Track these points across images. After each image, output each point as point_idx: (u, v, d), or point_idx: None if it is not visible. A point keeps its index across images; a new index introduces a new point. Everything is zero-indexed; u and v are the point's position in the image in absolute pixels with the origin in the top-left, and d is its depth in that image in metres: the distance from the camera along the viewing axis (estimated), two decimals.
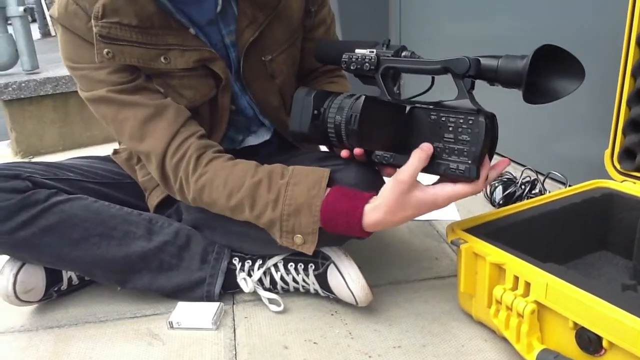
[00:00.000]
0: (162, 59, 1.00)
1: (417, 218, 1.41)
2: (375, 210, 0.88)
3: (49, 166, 1.15)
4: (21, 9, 2.19)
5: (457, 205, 1.51)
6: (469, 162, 0.85)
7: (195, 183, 0.98)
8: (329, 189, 0.93)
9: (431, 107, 0.89)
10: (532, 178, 1.45)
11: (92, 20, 0.95)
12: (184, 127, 1.01)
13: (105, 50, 0.96)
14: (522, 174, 1.48)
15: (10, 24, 2.26)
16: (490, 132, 0.85)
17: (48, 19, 13.46)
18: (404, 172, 0.86)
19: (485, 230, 0.98)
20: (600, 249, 1.14)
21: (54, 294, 1.14)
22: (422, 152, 0.87)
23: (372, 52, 0.94)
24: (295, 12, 1.11)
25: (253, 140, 1.20)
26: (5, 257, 1.09)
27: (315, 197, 0.91)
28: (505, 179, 1.50)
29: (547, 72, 0.81)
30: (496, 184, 1.48)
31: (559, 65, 0.81)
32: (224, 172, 0.97)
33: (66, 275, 1.14)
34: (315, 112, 0.94)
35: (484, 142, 0.84)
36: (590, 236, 1.12)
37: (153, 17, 0.98)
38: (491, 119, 0.86)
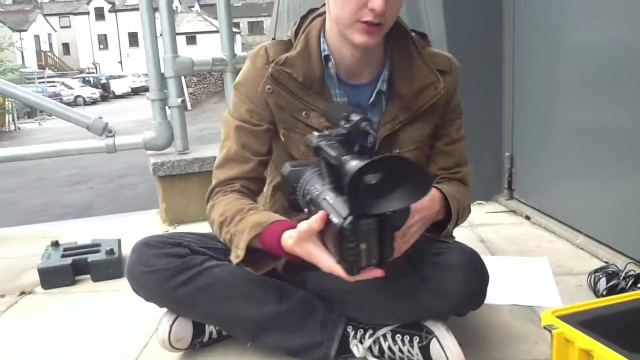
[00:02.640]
0: (303, 113, 1.24)
1: (518, 303, 1.52)
2: (289, 238, 1.05)
3: (201, 236, 1.39)
4: (179, 100, 2.61)
5: (561, 294, 1.57)
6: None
7: (210, 204, 1.25)
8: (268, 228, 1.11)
9: (327, 198, 0.95)
10: (637, 272, 1.50)
11: (272, 64, 1.22)
12: (246, 180, 1.25)
13: (268, 86, 1.22)
14: (625, 267, 1.52)
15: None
16: (354, 235, 0.89)
17: (186, 96, 14.89)
18: (304, 223, 1.00)
19: (579, 319, 1.07)
20: None
21: (198, 344, 1.35)
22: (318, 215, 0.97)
23: (313, 136, 1.04)
24: (432, 121, 1.29)
25: None
26: (163, 310, 1.33)
27: (254, 227, 1.12)
28: (610, 271, 1.55)
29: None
30: (600, 275, 1.54)
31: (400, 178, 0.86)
32: (225, 200, 1.22)
33: (208, 329, 1.36)
34: (291, 189, 1.08)
35: (341, 244, 0.90)
36: None
37: (314, 83, 1.23)
38: (357, 220, 0.88)
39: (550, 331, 1.06)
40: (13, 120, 17.04)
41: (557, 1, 2.10)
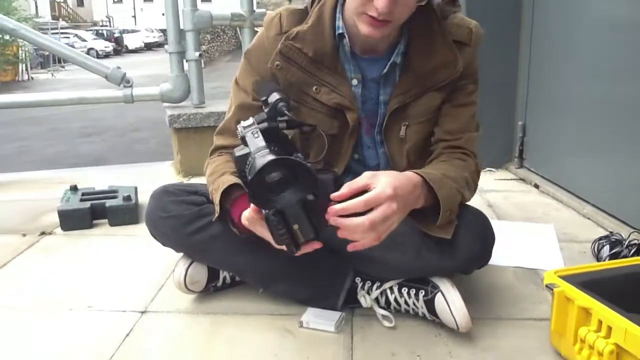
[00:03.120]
0: (314, 88, 1.25)
1: (522, 265, 1.56)
2: (244, 219, 1.11)
3: None
4: (197, 53, 2.63)
5: (565, 259, 1.61)
6: None
7: (207, 163, 1.34)
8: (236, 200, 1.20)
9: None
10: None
11: (283, 38, 1.22)
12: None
13: (277, 62, 1.23)
14: (629, 236, 1.56)
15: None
16: (282, 223, 0.98)
17: None
18: (247, 212, 1.09)
19: (580, 279, 1.12)
20: None
21: (211, 288, 1.42)
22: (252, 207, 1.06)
23: (240, 126, 1.10)
24: (444, 92, 1.26)
25: None
26: (178, 255, 1.39)
27: (223, 184, 1.20)
28: (613, 239, 1.58)
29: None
30: (604, 243, 1.58)
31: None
32: (218, 161, 1.30)
33: (222, 274, 1.42)
34: (242, 172, 1.12)
35: (273, 232, 1.00)
36: None
37: (326, 57, 1.23)
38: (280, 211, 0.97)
39: (551, 289, 1.10)
40: (26, 70, 17.06)
41: None
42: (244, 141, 1.08)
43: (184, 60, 2.66)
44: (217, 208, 1.22)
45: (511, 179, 2.48)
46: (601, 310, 1.01)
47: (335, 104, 1.25)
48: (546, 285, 1.12)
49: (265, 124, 1.10)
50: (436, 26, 1.22)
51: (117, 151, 6.18)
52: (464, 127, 1.30)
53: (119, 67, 2.66)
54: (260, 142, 1.03)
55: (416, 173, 1.12)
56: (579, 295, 1.05)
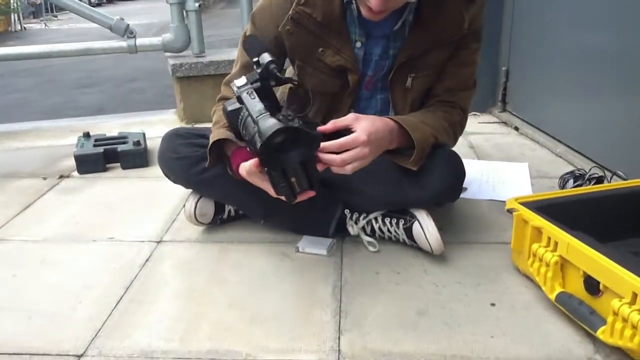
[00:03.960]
0: (320, 49, 1.34)
1: (495, 198, 1.74)
2: (242, 169, 1.22)
3: None
4: (197, 4, 2.72)
5: (534, 189, 1.79)
6: None
7: (213, 110, 1.43)
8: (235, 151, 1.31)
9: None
10: (600, 174, 1.71)
11: (294, 4, 1.29)
12: None
13: (288, 27, 1.32)
14: (590, 170, 1.73)
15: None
16: (283, 177, 1.11)
17: None
18: (247, 164, 1.19)
19: (536, 205, 1.29)
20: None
21: (218, 220, 1.59)
22: (253, 161, 1.16)
23: (234, 85, 1.17)
24: (450, 48, 1.36)
25: None
26: (187, 192, 1.57)
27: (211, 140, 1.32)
28: (577, 174, 1.76)
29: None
30: (568, 177, 1.76)
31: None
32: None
33: (227, 208, 1.59)
34: (233, 125, 1.23)
35: (274, 184, 1.14)
36: (627, 223, 1.35)
37: (332, 21, 1.30)
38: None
39: (512, 213, 1.29)
40: (19, 19, 16.80)
41: None
42: (240, 100, 1.17)
43: (184, 11, 2.76)
44: (208, 157, 1.35)
45: (494, 122, 2.63)
46: (550, 228, 1.19)
47: (338, 65, 1.35)
48: (507, 210, 1.31)
49: (258, 84, 1.19)
50: None
51: (115, 102, 6.22)
52: (462, 85, 1.43)
53: (122, 19, 2.76)
54: (258, 103, 1.11)
55: (393, 120, 1.28)
56: (533, 217, 1.23)
